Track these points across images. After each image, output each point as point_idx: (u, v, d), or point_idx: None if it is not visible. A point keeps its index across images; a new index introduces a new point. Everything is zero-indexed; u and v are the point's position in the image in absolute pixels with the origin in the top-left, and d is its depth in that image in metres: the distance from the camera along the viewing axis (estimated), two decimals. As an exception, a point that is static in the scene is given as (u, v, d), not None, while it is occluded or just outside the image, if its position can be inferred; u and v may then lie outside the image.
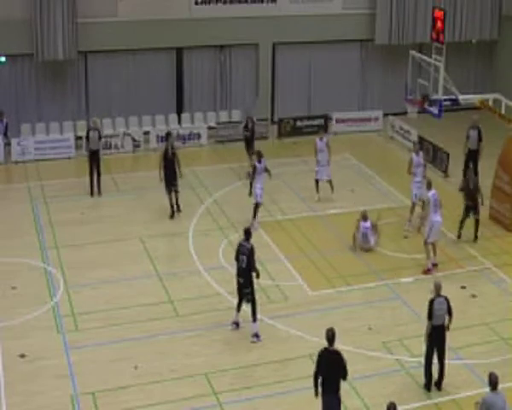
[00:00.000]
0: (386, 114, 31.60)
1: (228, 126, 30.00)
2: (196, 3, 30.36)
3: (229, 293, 18.79)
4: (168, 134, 23.70)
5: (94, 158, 24.68)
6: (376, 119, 31.71)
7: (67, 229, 22.43)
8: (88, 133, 25.02)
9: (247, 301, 17.25)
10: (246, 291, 17.18)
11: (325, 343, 13.47)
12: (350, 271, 20.25)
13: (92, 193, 24.67)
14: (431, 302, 15.21)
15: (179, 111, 30.77)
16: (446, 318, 15.30)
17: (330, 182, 24.46)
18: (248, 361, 16.42)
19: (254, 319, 17.20)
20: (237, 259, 17.16)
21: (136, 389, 15.49)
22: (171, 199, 23.14)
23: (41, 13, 28.45)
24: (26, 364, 16.18)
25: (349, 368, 13.55)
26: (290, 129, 30.52)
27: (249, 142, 26.63)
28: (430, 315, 15.15)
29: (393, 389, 15.36)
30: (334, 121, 31.30)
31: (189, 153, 28.56)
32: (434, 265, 20.14)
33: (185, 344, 17.04)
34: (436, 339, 15.26)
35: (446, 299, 15.33)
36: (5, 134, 27.16)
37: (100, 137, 25.17)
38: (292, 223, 23.00)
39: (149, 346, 16.96)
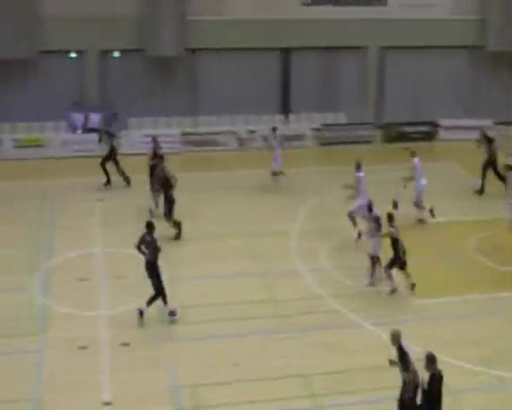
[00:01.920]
0: (496, 123, 30.83)
1: (333, 129, 29.89)
2: (305, 4, 30.40)
3: (330, 296, 18.81)
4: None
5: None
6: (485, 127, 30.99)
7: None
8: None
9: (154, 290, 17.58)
10: (151, 282, 17.57)
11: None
12: (453, 281, 19.89)
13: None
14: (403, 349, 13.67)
15: (285, 111, 30.87)
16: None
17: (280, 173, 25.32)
18: (347, 366, 16.30)
19: (147, 304, 17.56)
20: (140, 251, 17.67)
21: (234, 386, 15.58)
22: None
23: (151, 9, 29.05)
24: (128, 352, 16.53)
25: (447, 380, 13.22)
26: (396, 134, 30.16)
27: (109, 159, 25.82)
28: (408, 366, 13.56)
29: (492, 404, 14.97)
30: (441, 128, 30.79)
31: (294, 154, 28.64)
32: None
33: (284, 345, 17.06)
34: None
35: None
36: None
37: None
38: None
39: (249, 344, 17.07)
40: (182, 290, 19.08)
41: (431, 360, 12.87)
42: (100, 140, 26.21)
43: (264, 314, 18.15)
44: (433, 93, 31.82)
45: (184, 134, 28.96)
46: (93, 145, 27.62)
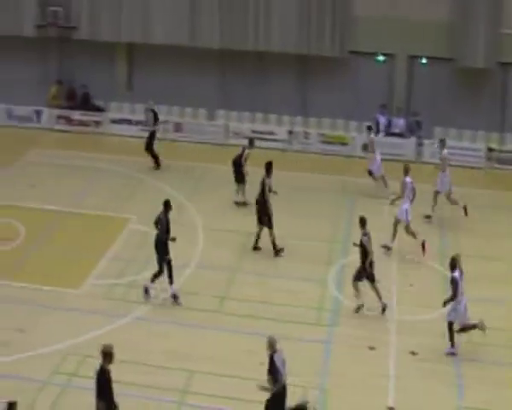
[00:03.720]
0: None
1: None
2: None
3: None
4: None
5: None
6: None
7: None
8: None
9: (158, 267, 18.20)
10: (156, 258, 18.13)
11: None
12: None
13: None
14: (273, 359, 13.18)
15: None
16: None
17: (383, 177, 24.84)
18: None
19: (151, 280, 18.29)
20: (156, 227, 18.24)
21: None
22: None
23: (464, 19, 28.56)
24: (416, 362, 16.52)
25: None
26: None
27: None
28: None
29: None
30: None
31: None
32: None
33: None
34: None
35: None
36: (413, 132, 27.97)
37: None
38: None
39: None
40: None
41: None
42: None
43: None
44: None
45: (490, 150, 28.26)
46: (395, 149, 27.88)
